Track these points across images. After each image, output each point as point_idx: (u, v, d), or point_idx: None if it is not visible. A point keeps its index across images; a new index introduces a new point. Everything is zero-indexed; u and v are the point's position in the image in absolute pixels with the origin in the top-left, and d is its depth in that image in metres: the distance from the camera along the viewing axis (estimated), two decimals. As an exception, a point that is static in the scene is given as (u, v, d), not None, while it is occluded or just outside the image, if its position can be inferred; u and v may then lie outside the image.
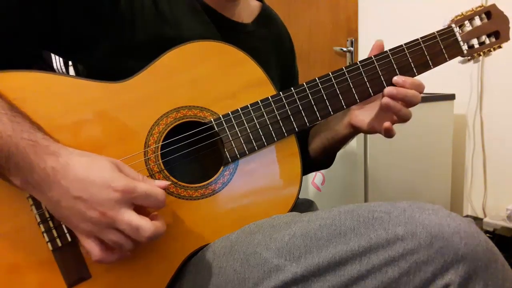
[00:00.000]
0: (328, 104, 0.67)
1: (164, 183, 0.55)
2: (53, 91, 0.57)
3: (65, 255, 0.55)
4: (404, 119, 0.69)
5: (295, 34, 0.93)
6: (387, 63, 0.68)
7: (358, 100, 0.68)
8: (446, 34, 0.71)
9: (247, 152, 0.64)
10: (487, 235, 1.40)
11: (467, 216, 1.75)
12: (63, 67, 0.85)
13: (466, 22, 0.72)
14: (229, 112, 0.63)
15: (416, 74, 0.70)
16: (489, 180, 1.71)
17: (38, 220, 0.54)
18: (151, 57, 0.61)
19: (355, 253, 0.49)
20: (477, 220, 1.64)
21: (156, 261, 0.59)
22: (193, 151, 0.63)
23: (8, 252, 0.53)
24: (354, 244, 0.50)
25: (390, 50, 0.69)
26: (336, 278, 0.49)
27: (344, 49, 2.07)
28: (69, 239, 0.55)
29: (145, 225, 0.50)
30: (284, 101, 0.65)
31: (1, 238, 0.53)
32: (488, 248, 0.47)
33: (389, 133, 0.69)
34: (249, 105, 0.64)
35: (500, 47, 0.75)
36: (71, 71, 0.76)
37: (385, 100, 0.67)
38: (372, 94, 0.69)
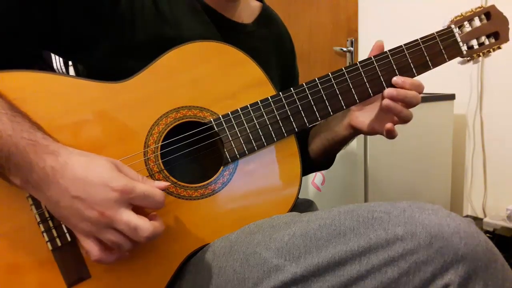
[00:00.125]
0: (327, 105, 0.67)
1: (164, 184, 0.55)
2: (53, 91, 0.57)
3: (64, 255, 0.55)
4: (405, 120, 0.69)
5: (295, 34, 0.93)
6: (386, 63, 0.68)
7: (357, 101, 0.68)
8: (446, 34, 0.71)
9: (246, 152, 0.64)
10: (487, 235, 1.40)
11: (467, 216, 1.75)
12: (63, 67, 0.85)
13: (466, 23, 0.72)
14: (229, 112, 0.63)
15: (416, 74, 0.70)
16: (489, 180, 1.71)
17: (38, 219, 0.54)
18: (151, 57, 0.61)
19: (355, 253, 0.49)
20: (477, 220, 1.64)
21: (156, 261, 0.59)
22: (193, 151, 0.63)
23: (7, 251, 0.53)
24: (354, 244, 0.50)
25: (389, 50, 0.69)
26: (336, 278, 0.49)
27: (344, 49, 2.07)
28: (69, 238, 0.55)
29: (144, 225, 0.50)
30: (284, 101, 0.66)
31: (0, 237, 0.53)
32: (488, 248, 0.47)
33: (391, 134, 0.69)
34: (248, 105, 0.64)
35: (499, 48, 0.75)
36: (71, 71, 0.76)
37: (386, 102, 0.67)
38: (371, 94, 0.69)
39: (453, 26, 0.72)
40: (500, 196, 1.69)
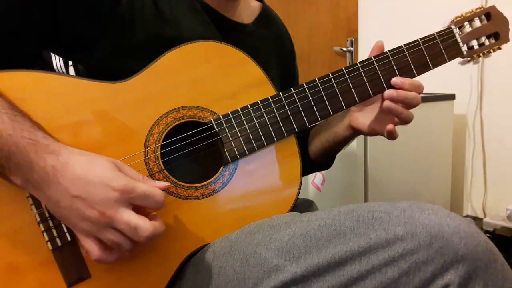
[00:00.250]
0: (328, 105, 0.67)
1: (164, 184, 0.55)
2: (53, 91, 0.57)
3: (64, 255, 0.55)
4: (405, 121, 0.69)
5: (295, 34, 0.93)
6: (387, 64, 0.68)
7: (358, 101, 0.68)
8: (446, 35, 0.71)
9: (246, 152, 0.64)
10: (487, 235, 1.40)
11: (467, 216, 1.75)
12: (63, 67, 0.85)
13: (466, 23, 0.72)
14: (229, 112, 0.63)
15: (416, 75, 0.70)
16: (489, 180, 1.71)
17: (38, 219, 0.54)
18: (151, 57, 0.61)
19: (355, 253, 0.49)
20: (477, 220, 1.65)
21: (156, 261, 0.59)
22: (193, 151, 0.63)
23: (7, 251, 0.53)
24: (354, 244, 0.50)
25: (390, 51, 0.69)
26: (336, 278, 0.49)
27: (344, 49, 2.07)
28: (69, 238, 0.55)
29: (144, 225, 0.50)
30: (284, 101, 0.66)
31: (0, 237, 0.53)
32: (488, 248, 0.47)
33: (392, 135, 0.69)
34: (249, 105, 0.64)
35: (499, 48, 0.75)
36: (71, 71, 0.76)
37: (386, 103, 0.67)
38: (372, 94, 0.69)
39: (453, 26, 0.72)
40: (500, 196, 1.69)
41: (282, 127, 0.65)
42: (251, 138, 0.64)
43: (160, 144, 0.60)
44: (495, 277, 0.46)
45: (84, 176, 0.50)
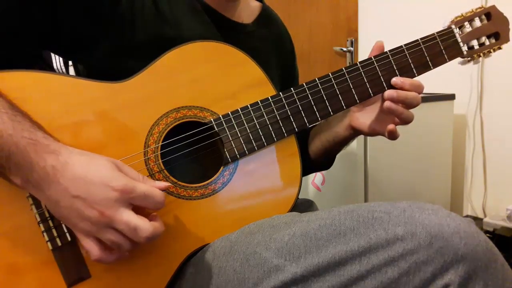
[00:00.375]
0: (328, 105, 0.67)
1: (164, 184, 0.55)
2: (53, 91, 0.57)
3: (65, 255, 0.55)
4: (406, 121, 0.69)
5: (295, 34, 0.93)
6: (387, 63, 0.68)
7: (358, 101, 0.68)
8: (446, 35, 0.71)
9: (246, 152, 0.64)
10: (487, 235, 1.40)
11: (467, 216, 1.75)
12: (63, 67, 0.85)
13: (466, 23, 0.72)
14: (229, 112, 0.63)
15: (416, 74, 0.70)
16: (489, 180, 1.71)
17: (38, 219, 0.54)
18: (151, 57, 0.61)
19: (355, 253, 0.49)
20: (477, 220, 1.64)
21: (156, 261, 0.59)
22: (193, 151, 0.63)
23: (7, 251, 0.53)
24: (354, 244, 0.50)
25: (390, 51, 0.69)
26: (336, 278, 0.49)
27: (344, 49, 2.07)
28: (69, 238, 0.55)
29: (143, 225, 0.50)
30: (284, 101, 0.66)
31: (0, 237, 0.53)
32: (488, 248, 0.47)
33: (393, 135, 0.69)
34: (249, 105, 0.64)
35: (500, 48, 0.75)
36: (71, 71, 0.76)
37: (387, 104, 0.67)
38: (372, 94, 0.69)
39: (453, 26, 0.72)
40: (500, 196, 1.69)
41: (282, 127, 0.65)
42: (251, 138, 0.64)
43: (160, 144, 0.60)
44: (495, 277, 0.46)
45: (84, 176, 0.50)
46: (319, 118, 0.67)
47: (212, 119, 0.63)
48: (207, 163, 0.66)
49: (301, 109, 0.66)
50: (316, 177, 1.44)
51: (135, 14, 0.64)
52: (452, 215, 0.49)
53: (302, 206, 0.83)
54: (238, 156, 0.63)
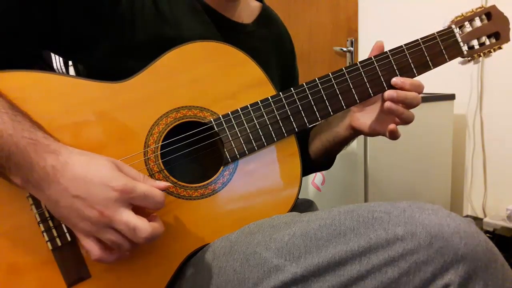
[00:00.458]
0: (328, 104, 0.67)
1: (164, 184, 0.55)
2: (53, 91, 0.57)
3: (64, 255, 0.55)
4: (406, 121, 0.69)
5: (295, 34, 0.93)
6: (387, 63, 0.68)
7: (358, 101, 0.68)
8: (446, 35, 0.71)
9: (246, 152, 0.64)
10: (487, 235, 1.40)
11: (467, 216, 1.75)
12: (63, 67, 0.85)
13: (466, 23, 0.72)
14: (229, 112, 0.63)
15: (416, 74, 0.70)
16: (489, 180, 1.71)
17: (38, 219, 0.54)
18: (151, 57, 0.61)
19: (355, 253, 0.49)
20: (477, 220, 1.64)
21: (156, 261, 0.59)
22: (193, 151, 0.63)
23: (7, 251, 0.53)
24: (354, 244, 0.50)
25: (390, 50, 0.69)
26: (336, 278, 0.49)
27: (344, 49, 2.07)
28: (69, 238, 0.55)
29: (142, 226, 0.50)
30: (284, 101, 0.66)
31: (0, 237, 0.53)
32: (488, 248, 0.47)
33: (394, 135, 0.69)
34: (249, 105, 0.64)
35: (500, 48, 0.75)
36: (71, 71, 0.76)
37: (387, 104, 0.67)
38: (372, 94, 0.69)
39: (453, 26, 0.72)
40: (500, 196, 1.69)
41: (282, 127, 0.65)
42: (251, 138, 0.64)
43: (160, 144, 0.60)
44: (495, 277, 0.46)
45: (84, 176, 0.50)
46: (319, 118, 0.67)
47: (212, 119, 0.63)
48: (207, 163, 0.66)
49: (301, 109, 0.66)
50: (316, 177, 1.44)
51: (135, 14, 0.64)
52: (452, 215, 0.49)
53: (302, 206, 0.83)
54: (238, 156, 0.63)
